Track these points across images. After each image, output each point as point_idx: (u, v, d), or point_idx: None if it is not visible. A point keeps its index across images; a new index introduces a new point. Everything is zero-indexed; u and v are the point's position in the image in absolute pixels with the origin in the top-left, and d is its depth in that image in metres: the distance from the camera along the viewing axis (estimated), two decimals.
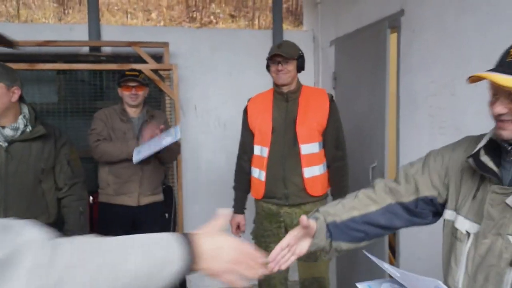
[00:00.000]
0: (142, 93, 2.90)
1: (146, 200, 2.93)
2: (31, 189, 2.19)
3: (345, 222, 1.27)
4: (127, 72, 2.91)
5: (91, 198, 3.36)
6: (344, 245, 1.28)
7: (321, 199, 2.54)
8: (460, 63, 2.24)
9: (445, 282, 1.17)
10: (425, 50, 2.53)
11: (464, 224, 1.15)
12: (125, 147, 2.78)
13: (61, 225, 2.31)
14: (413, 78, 2.66)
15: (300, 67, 2.52)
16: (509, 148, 1.08)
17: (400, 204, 1.29)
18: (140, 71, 2.96)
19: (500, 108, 1.05)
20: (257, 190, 2.58)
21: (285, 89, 2.51)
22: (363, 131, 3.26)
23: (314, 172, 2.48)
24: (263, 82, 3.34)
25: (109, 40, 3.74)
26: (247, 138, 2.63)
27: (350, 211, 1.29)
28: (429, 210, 1.29)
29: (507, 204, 1.04)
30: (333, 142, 2.54)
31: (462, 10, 2.21)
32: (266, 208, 2.57)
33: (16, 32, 3.38)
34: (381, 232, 1.32)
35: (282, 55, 2.41)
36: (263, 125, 2.50)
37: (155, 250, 0.75)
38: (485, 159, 1.11)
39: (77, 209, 2.34)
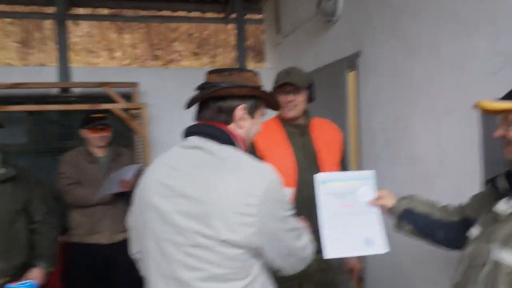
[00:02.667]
0: (109, 134, 2.99)
1: (119, 236, 2.94)
2: (6, 230, 2.21)
3: (421, 214, 1.55)
4: (93, 115, 2.97)
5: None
6: (410, 229, 1.57)
7: None
8: (410, 101, 2.50)
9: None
10: (380, 88, 2.79)
11: (474, 231, 1.35)
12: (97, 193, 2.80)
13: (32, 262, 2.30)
14: (371, 114, 2.90)
15: (310, 98, 2.18)
16: None
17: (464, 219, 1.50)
18: (105, 112, 3.04)
19: (498, 132, 1.26)
20: None
21: (298, 122, 2.16)
22: None
23: None
24: None
25: (79, 81, 3.83)
26: None
27: (431, 209, 1.57)
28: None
29: (496, 215, 1.23)
30: None
31: (410, 54, 2.48)
32: None
33: None
34: (443, 243, 1.56)
35: (293, 83, 2.06)
36: (284, 162, 2.08)
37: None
38: (501, 179, 1.30)
39: (51, 235, 2.38)
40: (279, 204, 1.21)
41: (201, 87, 1.34)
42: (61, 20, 4.07)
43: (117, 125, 3.81)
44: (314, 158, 2.13)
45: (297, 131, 2.15)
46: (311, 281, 2.14)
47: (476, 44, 2.01)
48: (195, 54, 8.03)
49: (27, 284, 1.13)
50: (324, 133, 2.20)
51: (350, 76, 3.20)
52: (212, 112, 1.30)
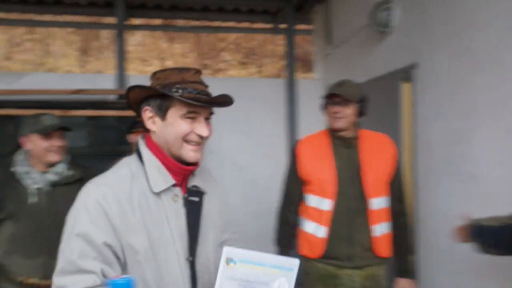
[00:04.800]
0: None
1: None
2: None
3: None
4: (139, 118, 3.01)
5: None
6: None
7: (387, 261, 2.21)
8: (472, 116, 2.42)
9: None
10: (439, 101, 2.72)
11: None
12: None
13: None
14: (429, 128, 2.82)
15: (361, 112, 2.19)
16: None
17: None
18: None
19: None
20: (312, 248, 2.15)
21: (344, 134, 2.18)
22: None
23: (383, 230, 2.15)
24: (276, 129, 3.80)
25: None
26: (295, 186, 2.25)
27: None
28: None
29: None
30: (397, 194, 2.22)
31: (472, 67, 2.41)
32: (322, 269, 2.17)
33: (47, 81, 3.64)
34: None
35: (342, 95, 2.09)
36: (324, 174, 2.13)
37: None
38: None
39: None
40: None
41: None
42: (120, 30, 4.24)
43: None
44: (357, 171, 2.14)
45: (343, 143, 2.18)
46: None
47: None
48: (243, 63, 8.14)
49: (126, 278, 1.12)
50: (372, 147, 2.19)
51: (405, 89, 3.13)
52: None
